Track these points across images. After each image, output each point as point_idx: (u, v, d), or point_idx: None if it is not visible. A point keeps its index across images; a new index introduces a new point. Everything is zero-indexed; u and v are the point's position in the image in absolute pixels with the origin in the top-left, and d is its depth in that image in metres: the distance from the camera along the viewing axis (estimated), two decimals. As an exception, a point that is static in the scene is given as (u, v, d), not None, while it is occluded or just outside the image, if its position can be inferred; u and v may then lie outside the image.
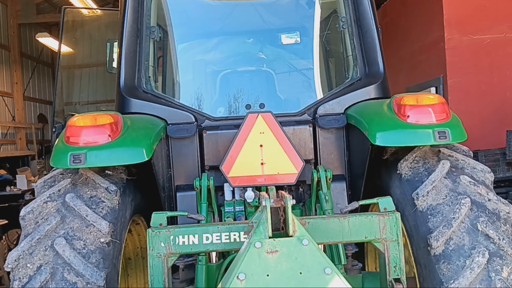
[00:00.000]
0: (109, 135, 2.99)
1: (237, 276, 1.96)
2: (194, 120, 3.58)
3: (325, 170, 3.23)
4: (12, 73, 13.58)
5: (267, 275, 1.95)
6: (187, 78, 4.25)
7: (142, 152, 3.00)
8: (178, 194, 3.48)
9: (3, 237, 9.38)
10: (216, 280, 3.19)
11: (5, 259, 7.88)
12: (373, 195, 2.84)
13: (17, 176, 11.59)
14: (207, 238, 2.43)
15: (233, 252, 3.14)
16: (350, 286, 1.94)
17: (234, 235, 2.43)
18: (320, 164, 3.51)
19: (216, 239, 2.43)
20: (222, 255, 3.24)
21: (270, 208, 2.13)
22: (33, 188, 11.54)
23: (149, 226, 3.88)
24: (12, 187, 11.20)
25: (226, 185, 3.34)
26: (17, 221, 10.01)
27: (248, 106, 3.73)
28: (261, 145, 3.23)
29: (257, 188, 3.25)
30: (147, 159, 3.01)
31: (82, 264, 2.77)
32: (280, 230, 2.17)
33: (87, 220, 2.92)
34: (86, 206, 2.98)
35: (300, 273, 1.95)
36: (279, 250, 2.01)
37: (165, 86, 4.28)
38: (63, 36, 6.16)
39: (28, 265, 2.80)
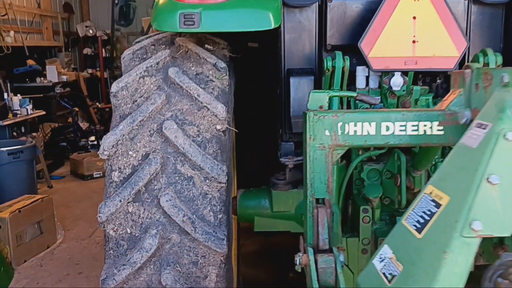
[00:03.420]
0: None
1: (487, 179, 1.34)
2: None
3: (495, 54, 2.52)
4: (35, -45, 12.39)
5: (533, 180, 1.34)
6: None
7: (269, 17, 2.30)
8: (291, 79, 2.81)
9: (39, 128, 8.96)
10: (340, 182, 2.66)
11: (43, 152, 7.32)
12: None
13: (47, 67, 10.93)
14: (388, 128, 1.80)
15: (371, 149, 2.56)
16: None
17: (425, 125, 1.80)
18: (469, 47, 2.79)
19: (400, 130, 1.80)
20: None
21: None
22: (64, 81, 10.98)
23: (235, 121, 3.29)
24: (42, 78, 10.59)
25: (359, 69, 2.65)
26: (50, 114, 9.43)
27: None
28: (414, 17, 2.49)
29: (405, 73, 2.56)
30: (274, 26, 2.32)
31: (199, 154, 2.18)
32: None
33: (199, 101, 2.29)
34: (196, 84, 2.35)
35: None
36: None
37: None
38: None
39: (130, 152, 2.22)
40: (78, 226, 5.98)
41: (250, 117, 3.55)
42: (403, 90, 2.52)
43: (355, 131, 1.80)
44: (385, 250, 1.57)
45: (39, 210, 5.22)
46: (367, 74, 2.65)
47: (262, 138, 3.62)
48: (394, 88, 2.50)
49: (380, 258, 1.56)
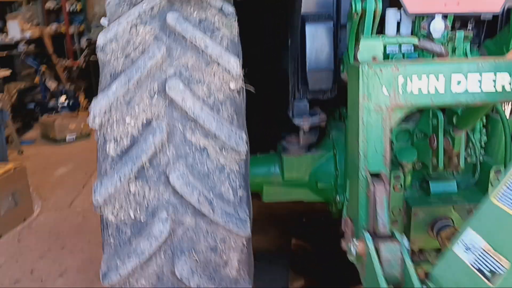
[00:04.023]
0: None
1: None
2: None
3: None
4: None
5: None
6: None
7: None
8: (307, 26, 2.41)
9: (4, 90, 8.29)
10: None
11: (10, 115, 6.67)
12: None
13: (8, 23, 10.07)
14: (459, 82, 1.45)
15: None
16: None
17: (502, 78, 1.45)
18: None
19: (473, 85, 1.45)
20: None
21: None
22: (27, 38, 10.18)
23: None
24: (3, 35, 9.77)
25: (389, 12, 2.26)
26: (15, 74, 8.71)
27: None
28: (456, -51, 2.11)
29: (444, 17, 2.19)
30: None
31: (213, 120, 1.80)
32: None
33: (206, 54, 1.89)
34: (201, 33, 1.93)
35: None
36: None
37: None
38: None
39: (128, 119, 1.81)
40: (56, 195, 5.55)
41: (248, 72, 3.17)
42: (443, 37, 2.15)
43: (419, 88, 1.44)
44: (472, 237, 1.25)
45: (12, 180, 4.76)
46: (398, 20, 2.27)
47: (265, 97, 3.24)
48: (434, 35, 2.13)
49: (466, 246, 1.24)
